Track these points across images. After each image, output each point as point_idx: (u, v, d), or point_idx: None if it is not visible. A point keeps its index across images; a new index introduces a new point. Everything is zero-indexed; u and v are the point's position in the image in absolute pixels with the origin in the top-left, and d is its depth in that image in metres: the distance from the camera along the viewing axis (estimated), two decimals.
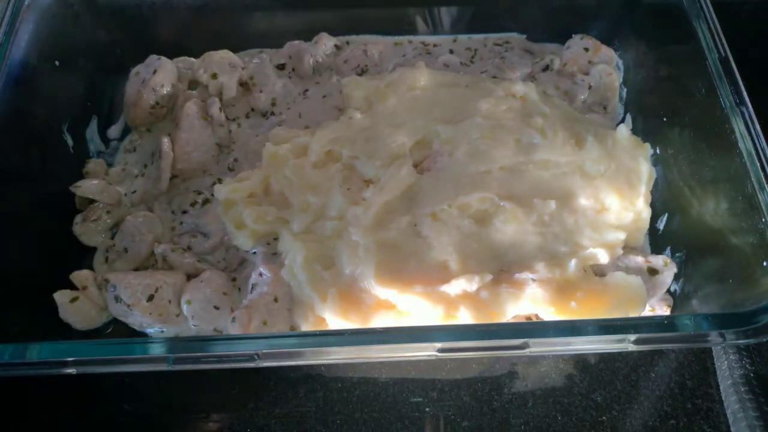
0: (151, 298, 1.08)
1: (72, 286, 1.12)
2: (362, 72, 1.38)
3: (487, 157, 1.17)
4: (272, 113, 1.35)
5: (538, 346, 0.87)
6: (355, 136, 1.22)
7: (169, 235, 1.21)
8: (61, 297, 1.10)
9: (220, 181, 1.25)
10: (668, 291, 1.11)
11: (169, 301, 1.10)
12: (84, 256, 1.20)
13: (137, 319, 1.10)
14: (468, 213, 1.12)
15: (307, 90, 1.38)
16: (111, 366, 0.89)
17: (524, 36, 1.45)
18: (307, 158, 1.20)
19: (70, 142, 1.26)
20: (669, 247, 1.16)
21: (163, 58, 1.33)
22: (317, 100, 1.37)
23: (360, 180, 1.19)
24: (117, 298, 1.08)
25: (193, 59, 1.38)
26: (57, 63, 1.23)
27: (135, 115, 1.32)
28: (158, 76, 1.31)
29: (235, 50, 1.40)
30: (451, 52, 1.42)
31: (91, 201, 1.22)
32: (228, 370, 1.09)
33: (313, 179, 1.17)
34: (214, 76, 1.34)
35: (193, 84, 1.36)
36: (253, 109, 1.36)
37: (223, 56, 1.37)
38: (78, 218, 1.21)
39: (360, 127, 1.24)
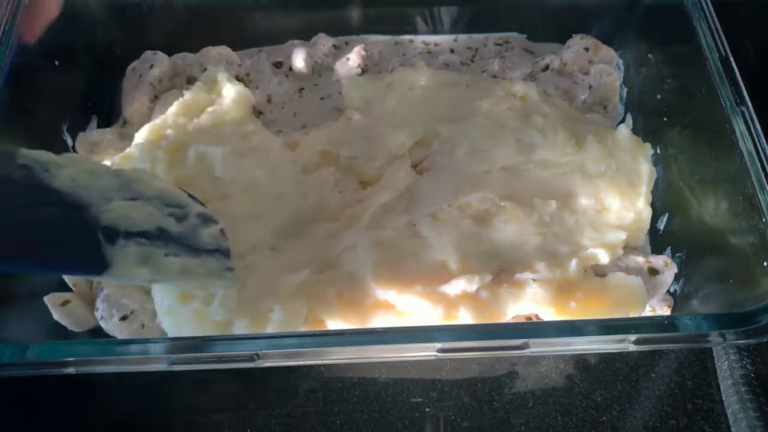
0: (124, 318, 1.06)
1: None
2: (362, 72, 1.37)
3: (488, 156, 1.17)
4: (260, 112, 1.34)
5: (539, 346, 0.87)
6: (353, 137, 1.22)
7: None
8: (51, 300, 1.08)
9: None
10: (668, 291, 1.11)
11: (142, 326, 1.06)
12: None
13: (111, 330, 1.08)
14: (468, 213, 1.12)
15: (302, 89, 1.38)
16: (110, 366, 0.89)
17: (524, 36, 1.45)
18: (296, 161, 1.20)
19: (70, 142, 1.25)
20: (669, 248, 1.15)
21: (159, 53, 1.34)
22: (313, 99, 1.36)
23: (356, 182, 1.18)
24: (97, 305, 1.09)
25: (191, 55, 1.38)
26: (56, 63, 1.23)
27: (134, 110, 1.31)
28: (155, 71, 1.32)
29: (234, 50, 1.40)
30: (452, 51, 1.42)
31: None
32: (228, 371, 1.09)
33: (302, 184, 1.17)
34: (205, 70, 1.34)
35: (191, 80, 1.35)
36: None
37: (221, 52, 1.37)
38: None
39: (358, 127, 1.24)
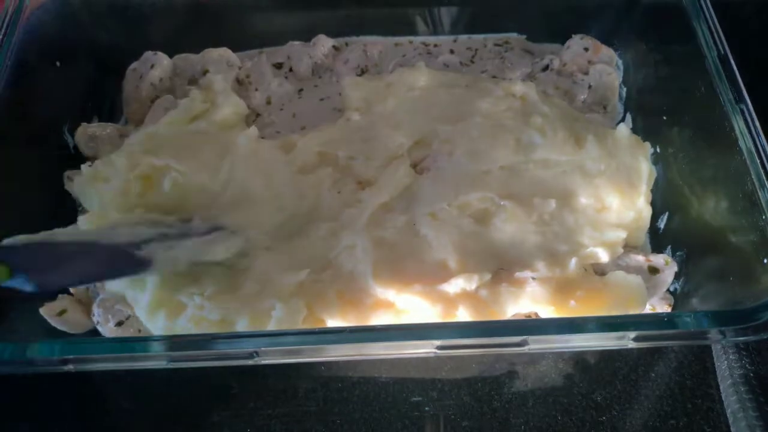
0: (120, 323, 1.06)
1: None
2: (362, 72, 1.38)
3: (487, 156, 1.17)
4: (258, 114, 1.34)
5: (538, 343, 0.87)
6: (351, 137, 1.23)
7: None
8: (47, 311, 1.08)
9: None
10: (668, 290, 1.11)
11: (139, 331, 1.06)
12: None
13: (107, 335, 1.08)
14: (468, 212, 1.12)
15: (301, 90, 1.38)
16: (110, 363, 0.89)
17: (524, 36, 1.45)
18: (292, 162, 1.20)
19: (70, 142, 1.26)
20: (669, 246, 1.15)
21: (160, 53, 1.34)
22: (313, 101, 1.37)
23: (353, 182, 1.18)
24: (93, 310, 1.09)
25: (193, 56, 1.38)
26: (57, 63, 1.24)
27: (135, 111, 1.32)
28: (156, 71, 1.32)
29: (234, 50, 1.41)
30: (452, 52, 1.42)
31: None
32: (228, 371, 1.09)
33: (298, 184, 1.17)
34: (206, 72, 1.34)
35: (192, 81, 1.36)
36: (248, 107, 1.34)
37: (221, 54, 1.38)
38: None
39: (357, 128, 1.24)
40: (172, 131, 1.21)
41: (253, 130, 1.22)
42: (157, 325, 1.02)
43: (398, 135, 1.21)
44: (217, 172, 1.16)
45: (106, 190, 1.12)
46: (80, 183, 1.15)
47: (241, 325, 0.99)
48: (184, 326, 1.00)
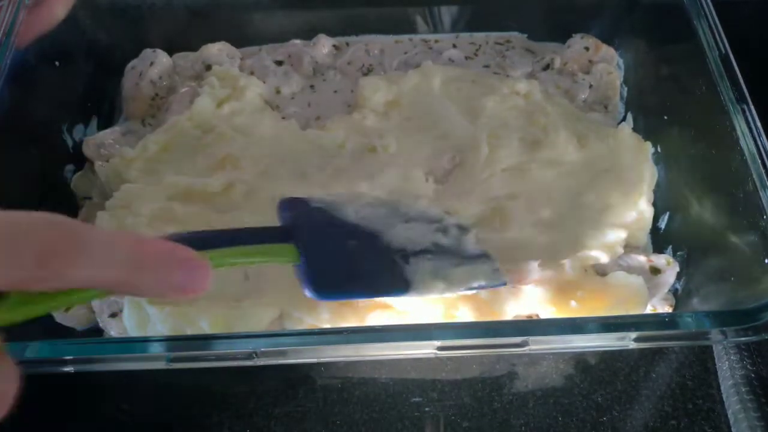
0: (114, 315, 1.06)
1: None
2: (367, 71, 1.37)
3: (494, 157, 1.17)
4: (277, 106, 1.34)
5: (538, 344, 0.87)
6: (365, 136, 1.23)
7: None
8: None
9: None
10: (669, 290, 1.10)
11: None
12: None
13: (104, 326, 1.08)
14: (471, 213, 1.12)
15: (312, 85, 1.38)
16: (109, 364, 0.88)
17: (525, 35, 1.45)
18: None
19: (70, 142, 1.26)
20: (670, 246, 1.15)
21: (159, 50, 1.34)
22: (327, 93, 1.36)
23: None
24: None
25: (191, 53, 1.38)
26: (57, 63, 1.23)
27: (135, 109, 1.32)
28: (155, 68, 1.32)
29: None
30: (454, 46, 1.42)
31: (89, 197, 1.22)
32: (227, 372, 1.08)
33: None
34: (209, 66, 1.34)
35: (194, 78, 1.36)
36: None
37: (220, 48, 1.37)
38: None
39: (369, 129, 1.24)
40: (205, 115, 1.23)
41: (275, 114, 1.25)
42: (157, 329, 1.01)
43: (408, 138, 1.21)
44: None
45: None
46: (113, 167, 1.17)
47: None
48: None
